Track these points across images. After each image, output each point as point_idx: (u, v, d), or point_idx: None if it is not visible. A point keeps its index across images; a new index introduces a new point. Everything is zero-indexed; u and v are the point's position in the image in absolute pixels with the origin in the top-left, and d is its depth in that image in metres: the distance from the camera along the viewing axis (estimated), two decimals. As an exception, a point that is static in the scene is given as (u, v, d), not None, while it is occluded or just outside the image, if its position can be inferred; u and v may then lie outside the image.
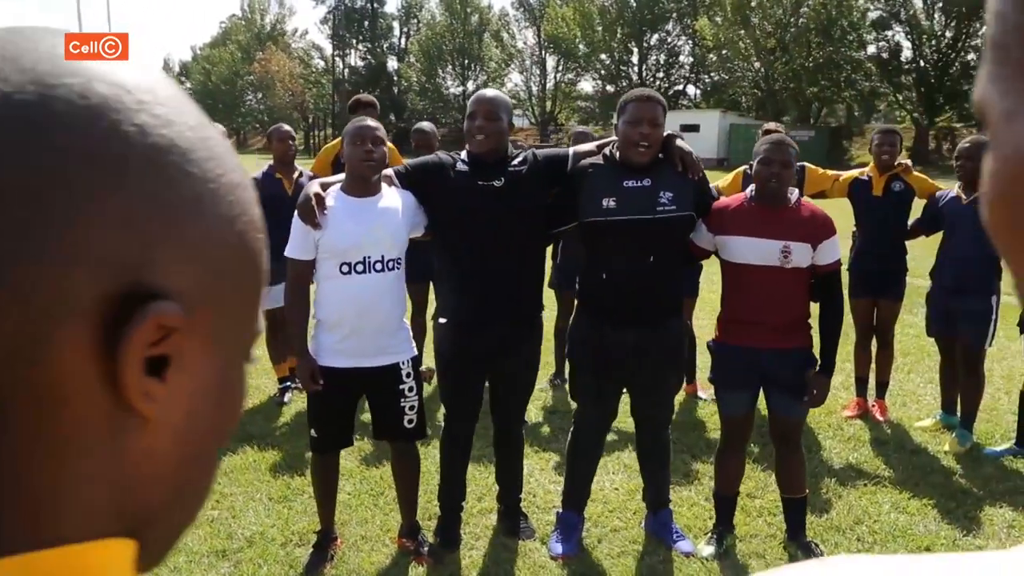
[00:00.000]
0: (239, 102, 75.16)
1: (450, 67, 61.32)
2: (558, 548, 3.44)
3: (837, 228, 3.28)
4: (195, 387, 0.38)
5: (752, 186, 3.29)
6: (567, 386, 4.10)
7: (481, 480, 4.04)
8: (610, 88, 57.97)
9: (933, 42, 42.53)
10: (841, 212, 4.46)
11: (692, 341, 4.91)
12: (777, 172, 3.16)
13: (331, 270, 3.06)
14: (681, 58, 58.37)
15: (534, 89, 60.65)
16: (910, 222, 4.89)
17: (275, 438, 4.73)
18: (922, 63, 43.11)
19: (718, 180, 4.82)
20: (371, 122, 3.12)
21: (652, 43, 57.12)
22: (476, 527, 3.67)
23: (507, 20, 64.18)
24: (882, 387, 5.17)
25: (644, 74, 56.96)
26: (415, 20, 69.60)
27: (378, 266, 3.06)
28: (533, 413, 4.89)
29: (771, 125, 5.22)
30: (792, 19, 45.22)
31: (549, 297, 4.20)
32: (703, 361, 4.60)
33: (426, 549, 3.40)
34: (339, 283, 3.06)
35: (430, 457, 3.94)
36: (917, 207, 4.90)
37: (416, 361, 3.29)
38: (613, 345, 3.23)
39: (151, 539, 0.40)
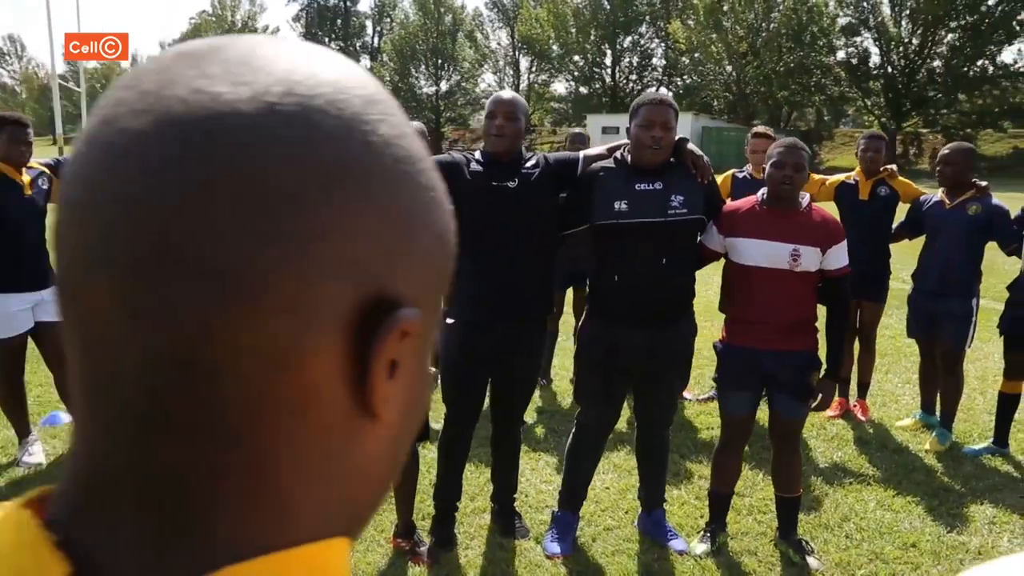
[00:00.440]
0: (209, 99, 74.15)
1: (423, 67, 61.12)
2: (555, 547, 3.46)
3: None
4: (409, 387, 0.39)
5: (763, 189, 3.32)
6: (557, 386, 4.12)
7: (474, 479, 4.05)
8: (583, 90, 58.29)
9: (900, 49, 43.33)
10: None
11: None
12: (789, 175, 3.18)
13: None
14: (654, 61, 58.87)
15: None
16: (894, 226, 4.99)
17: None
18: (890, 69, 43.91)
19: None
20: None
21: (625, 45, 57.51)
22: (470, 527, 3.68)
23: (481, 20, 64.36)
24: (863, 388, 5.27)
25: (617, 76, 57.33)
26: (388, 19, 69.39)
27: None
28: (525, 413, 4.90)
29: (760, 129, 5.30)
30: (764, 24, 45.81)
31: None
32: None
33: (424, 549, 3.41)
34: None
35: (424, 456, 3.95)
36: (900, 211, 5.00)
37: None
38: (624, 347, 3.25)
39: (355, 537, 0.41)
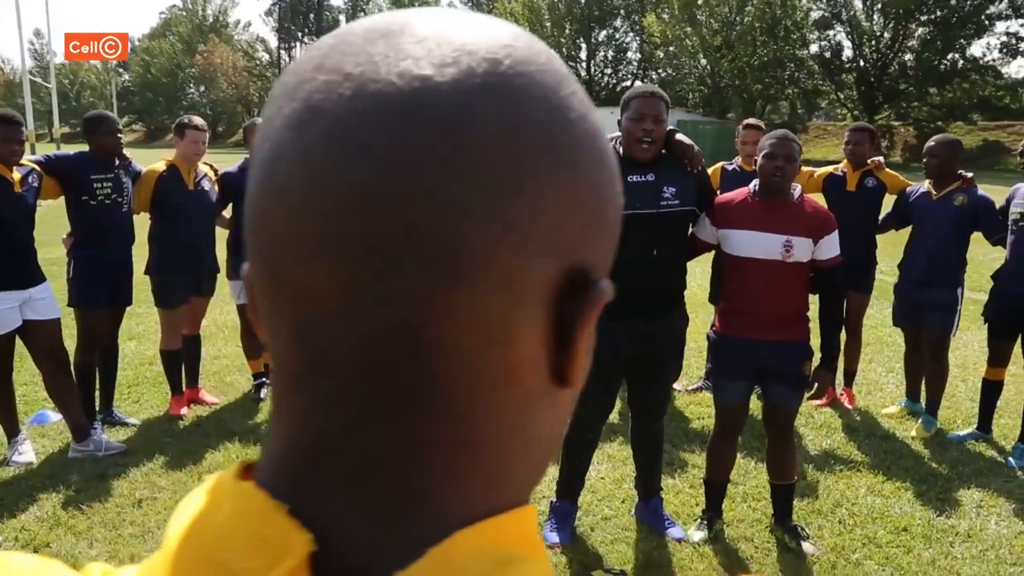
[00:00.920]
0: (181, 95, 73.38)
1: (398, 61, 60.66)
2: (554, 537, 3.48)
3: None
4: (588, 354, 0.40)
5: (755, 181, 3.36)
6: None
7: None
8: (559, 84, 58.07)
9: (872, 42, 43.88)
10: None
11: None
12: (781, 167, 3.22)
13: None
14: (629, 54, 59.08)
15: (483, 84, 60.49)
16: (881, 217, 5.06)
17: (257, 435, 4.68)
18: (862, 62, 44.45)
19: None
20: None
21: (600, 39, 57.64)
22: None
23: (455, 14, 63.97)
24: (850, 376, 5.35)
25: (592, 70, 57.42)
26: (363, 13, 68.85)
27: None
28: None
29: (751, 120, 5.36)
30: (738, 17, 46.08)
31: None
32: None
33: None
34: None
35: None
36: (887, 203, 5.07)
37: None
38: (618, 338, 3.28)
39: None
